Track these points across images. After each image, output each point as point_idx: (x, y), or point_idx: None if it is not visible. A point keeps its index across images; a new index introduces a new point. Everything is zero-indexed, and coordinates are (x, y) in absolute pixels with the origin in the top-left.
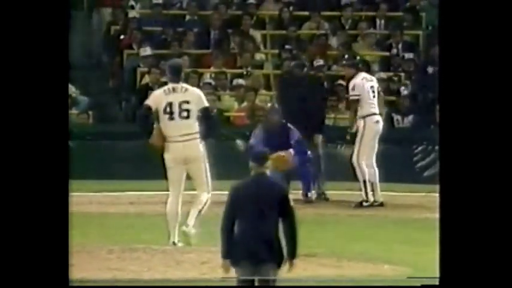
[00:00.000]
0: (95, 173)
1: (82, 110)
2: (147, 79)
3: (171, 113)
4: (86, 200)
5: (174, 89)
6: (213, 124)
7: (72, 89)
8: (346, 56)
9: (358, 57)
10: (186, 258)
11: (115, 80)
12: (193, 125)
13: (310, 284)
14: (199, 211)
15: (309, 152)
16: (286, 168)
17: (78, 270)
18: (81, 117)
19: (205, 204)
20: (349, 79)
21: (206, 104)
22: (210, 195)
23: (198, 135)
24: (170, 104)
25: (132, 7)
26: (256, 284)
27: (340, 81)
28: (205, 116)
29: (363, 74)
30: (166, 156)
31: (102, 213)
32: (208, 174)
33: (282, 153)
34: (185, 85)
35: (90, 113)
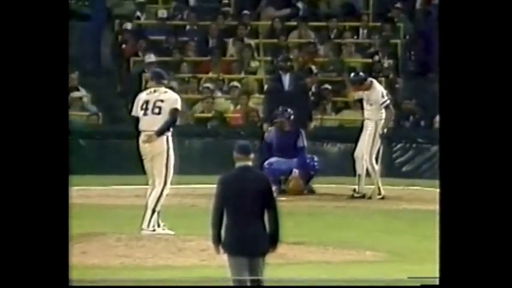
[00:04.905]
0: (104, 169)
1: (92, 113)
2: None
3: (146, 109)
4: (96, 193)
5: (155, 91)
6: (167, 122)
7: (83, 92)
8: (352, 75)
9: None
10: (187, 245)
11: (122, 84)
12: (160, 123)
13: (308, 285)
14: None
15: (316, 158)
16: (300, 190)
17: (90, 257)
18: (92, 119)
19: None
20: (365, 90)
21: (175, 106)
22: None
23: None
24: (147, 102)
25: (138, 18)
26: (248, 272)
27: (326, 86)
28: (171, 114)
29: (375, 81)
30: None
31: (111, 205)
32: (170, 169)
33: (296, 176)
34: (167, 89)
35: (100, 114)
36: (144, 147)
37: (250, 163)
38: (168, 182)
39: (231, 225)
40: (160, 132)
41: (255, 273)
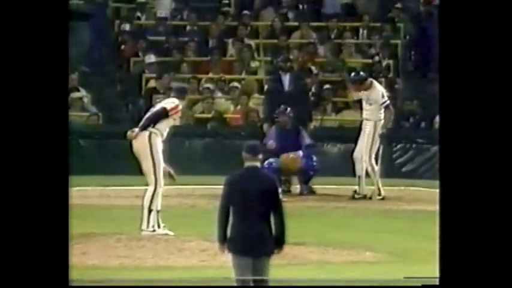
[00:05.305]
0: (104, 169)
1: (92, 113)
2: (152, 84)
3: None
4: (96, 193)
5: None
6: (148, 116)
7: (83, 93)
8: (353, 74)
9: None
10: (187, 246)
11: (122, 85)
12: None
13: (309, 285)
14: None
15: (314, 158)
16: (295, 169)
17: (90, 257)
18: (92, 119)
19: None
20: (365, 90)
21: (164, 105)
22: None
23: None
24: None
25: (138, 18)
26: (252, 273)
27: (326, 86)
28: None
29: (375, 81)
30: None
31: (110, 206)
32: (158, 166)
33: (291, 154)
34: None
35: (100, 115)
36: (133, 145)
37: (258, 163)
38: (160, 179)
39: (236, 224)
40: (142, 127)
41: (259, 274)
